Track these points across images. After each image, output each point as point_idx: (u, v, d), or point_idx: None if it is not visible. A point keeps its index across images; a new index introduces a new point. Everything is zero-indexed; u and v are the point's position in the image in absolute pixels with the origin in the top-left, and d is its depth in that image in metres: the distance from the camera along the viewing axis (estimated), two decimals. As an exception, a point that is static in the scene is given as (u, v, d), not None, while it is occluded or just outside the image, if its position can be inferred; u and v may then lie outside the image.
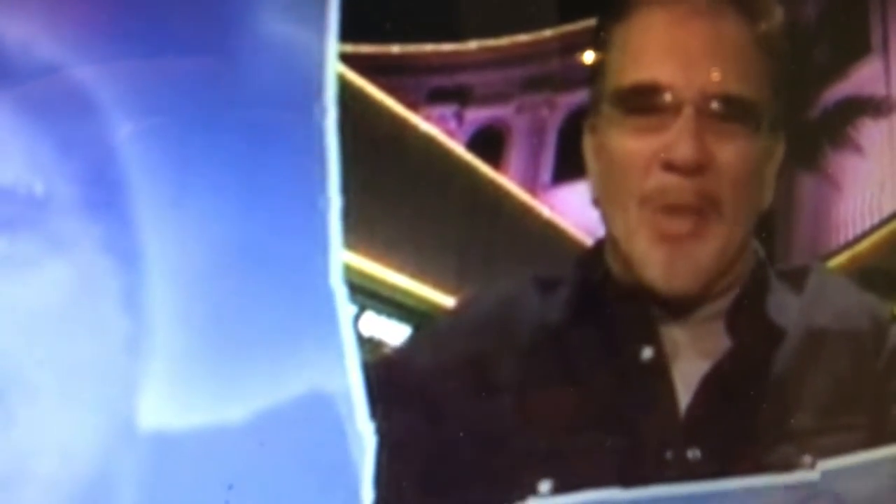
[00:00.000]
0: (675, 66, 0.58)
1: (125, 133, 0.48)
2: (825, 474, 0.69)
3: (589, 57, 0.58)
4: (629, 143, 0.59)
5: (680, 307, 0.61)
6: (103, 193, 0.48)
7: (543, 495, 0.57)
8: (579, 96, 0.59)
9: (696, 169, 0.58)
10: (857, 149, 0.67)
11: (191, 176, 0.50)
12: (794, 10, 0.65)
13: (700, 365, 0.62)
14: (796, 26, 0.65)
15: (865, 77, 0.68)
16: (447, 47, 0.53)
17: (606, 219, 0.60)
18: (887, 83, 0.68)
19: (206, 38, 0.48)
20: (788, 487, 0.67)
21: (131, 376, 0.50)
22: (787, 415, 0.67)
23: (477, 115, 0.55)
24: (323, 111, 0.51)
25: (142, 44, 0.47)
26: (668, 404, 0.60)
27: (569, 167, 0.59)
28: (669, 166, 0.58)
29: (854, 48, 0.67)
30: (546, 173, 0.57)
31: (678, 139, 0.58)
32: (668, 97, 0.58)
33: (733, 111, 0.59)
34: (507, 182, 0.56)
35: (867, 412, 0.72)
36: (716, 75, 0.59)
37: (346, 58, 0.51)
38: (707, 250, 0.61)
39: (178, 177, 0.50)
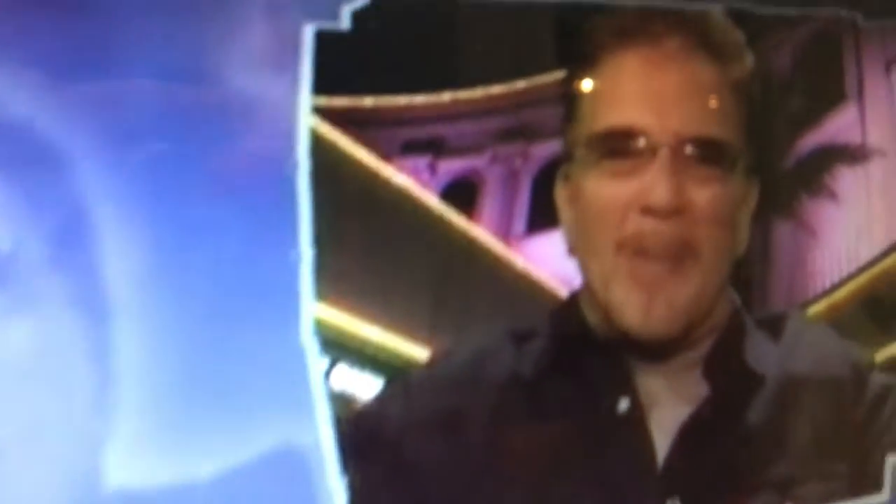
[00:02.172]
0: (649, 110, 0.59)
1: (94, 189, 0.48)
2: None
3: (562, 106, 0.58)
4: (605, 187, 0.59)
5: (657, 353, 0.61)
6: (72, 249, 0.48)
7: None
8: (553, 146, 0.59)
9: (673, 212, 0.59)
10: (833, 197, 0.68)
11: (161, 231, 0.50)
12: (768, 58, 0.66)
13: (678, 413, 0.62)
14: (771, 74, 0.66)
15: (841, 125, 0.68)
16: (420, 99, 0.54)
17: (582, 267, 0.60)
18: (863, 131, 0.69)
19: (174, 93, 0.48)
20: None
21: (97, 434, 0.50)
22: (767, 463, 0.67)
23: (450, 166, 0.55)
24: (295, 165, 0.51)
25: (111, 100, 0.47)
26: (645, 455, 0.60)
27: (543, 217, 0.59)
28: (646, 210, 0.59)
29: (829, 96, 0.68)
30: (520, 223, 0.57)
31: (654, 183, 0.58)
32: (643, 141, 0.59)
33: (708, 154, 0.60)
34: (480, 232, 0.56)
35: (847, 460, 0.72)
36: (690, 118, 0.60)
37: (318, 111, 0.52)
38: (684, 293, 0.61)
39: (148, 232, 0.50)
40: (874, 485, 0.72)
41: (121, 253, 0.49)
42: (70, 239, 0.48)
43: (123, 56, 0.47)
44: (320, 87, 0.50)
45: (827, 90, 0.68)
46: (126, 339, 0.49)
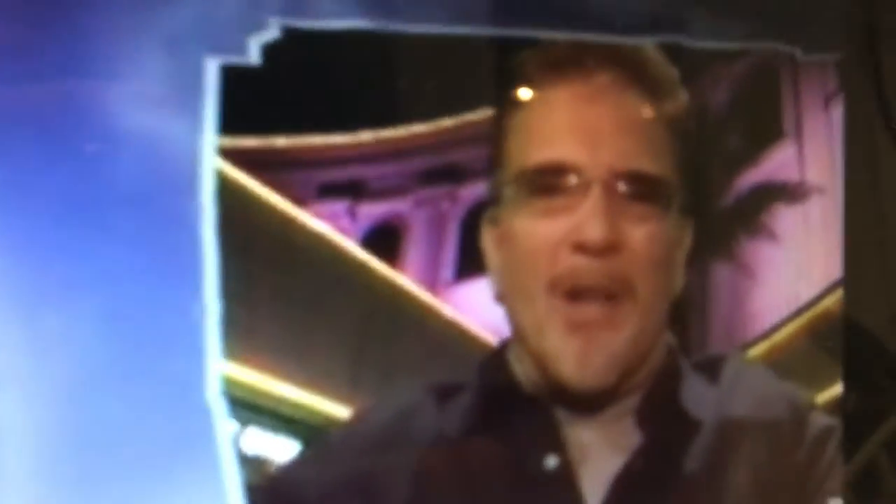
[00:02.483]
0: (581, 145, 0.57)
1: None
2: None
3: (490, 144, 0.55)
4: (536, 226, 0.57)
5: (590, 405, 0.59)
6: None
7: None
8: (481, 188, 0.56)
9: (607, 249, 0.57)
10: (772, 236, 0.66)
11: (47, 284, 0.45)
12: (704, 94, 0.64)
13: (611, 465, 0.60)
14: (707, 110, 0.64)
15: (778, 162, 0.67)
16: (338, 139, 0.50)
17: (512, 314, 0.57)
18: (801, 168, 0.67)
19: (63, 130, 0.44)
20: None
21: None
22: (707, 512, 0.64)
23: (372, 211, 0.52)
24: (198, 209, 0.47)
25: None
26: None
27: (472, 263, 0.56)
28: (579, 247, 0.56)
29: (766, 133, 0.66)
30: (447, 270, 0.54)
31: (587, 218, 0.56)
32: (574, 177, 0.56)
33: (642, 190, 0.58)
34: (405, 280, 0.53)
35: (789, 504, 0.70)
36: (623, 153, 0.58)
37: (225, 152, 0.48)
38: (620, 339, 0.59)
39: (33, 285, 0.45)
40: (816, 531, 0.70)
41: (4, 311, 0.44)
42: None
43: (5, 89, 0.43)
44: (227, 126, 0.47)
45: (765, 126, 0.67)
46: (9, 402, 0.45)
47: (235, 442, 0.49)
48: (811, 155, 0.67)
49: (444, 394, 0.55)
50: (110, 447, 0.47)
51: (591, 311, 0.57)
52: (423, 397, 0.54)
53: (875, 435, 0.91)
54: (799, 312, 0.67)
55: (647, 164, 0.58)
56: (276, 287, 0.50)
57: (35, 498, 0.46)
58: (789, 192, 0.66)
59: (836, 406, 0.70)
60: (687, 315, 0.63)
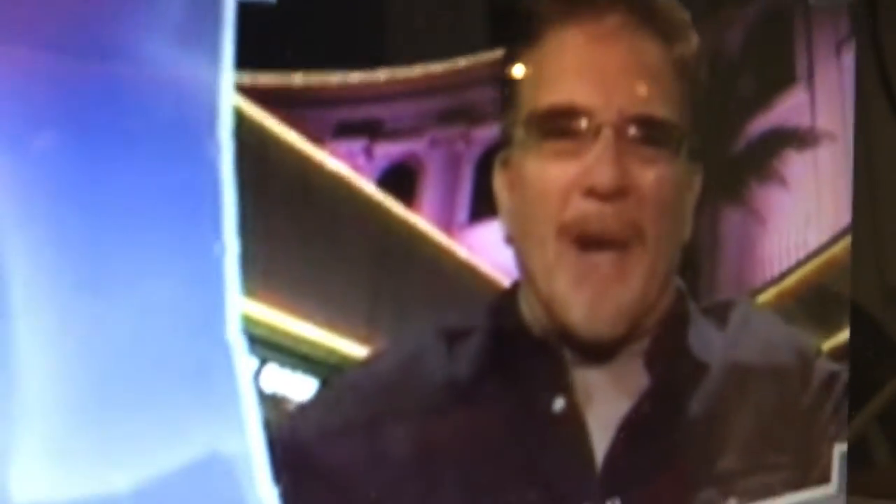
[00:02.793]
0: (592, 88, 0.57)
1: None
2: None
3: (501, 86, 0.55)
4: (546, 169, 0.57)
5: (598, 352, 0.59)
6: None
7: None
8: (496, 129, 0.56)
9: (618, 194, 0.57)
10: (783, 182, 0.66)
11: (66, 216, 0.45)
12: (716, 40, 0.64)
13: (619, 408, 0.61)
14: (719, 56, 0.64)
15: (790, 108, 0.67)
16: (354, 77, 0.50)
17: (522, 257, 0.58)
18: (812, 114, 0.67)
19: (78, 70, 0.43)
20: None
21: (2, 446, 0.45)
22: (711, 456, 0.66)
23: (388, 151, 0.52)
24: (217, 147, 0.47)
25: (8, 69, 0.43)
26: (583, 456, 0.59)
27: (487, 205, 0.56)
28: (589, 192, 0.57)
29: (779, 78, 0.66)
30: (463, 212, 0.54)
31: (598, 163, 0.57)
32: (585, 120, 0.57)
33: (653, 134, 0.58)
34: (421, 221, 0.53)
35: (794, 451, 0.71)
36: (634, 97, 0.58)
37: (243, 89, 0.48)
38: (631, 290, 0.59)
39: (52, 217, 0.45)
40: (821, 476, 0.71)
41: (23, 248, 0.44)
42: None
43: (14, 30, 0.43)
44: (245, 63, 0.46)
45: (777, 71, 0.66)
46: (30, 340, 0.45)
47: (255, 379, 0.49)
48: (823, 101, 0.67)
49: (454, 337, 0.56)
50: (131, 381, 0.47)
51: (600, 261, 0.57)
52: (434, 341, 0.55)
53: (867, 407, 0.92)
54: (807, 259, 0.67)
55: (659, 108, 0.59)
56: (293, 226, 0.50)
57: (55, 431, 0.46)
58: (800, 138, 0.66)
59: (843, 352, 0.71)
60: (697, 260, 0.63)
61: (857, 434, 0.91)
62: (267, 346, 0.49)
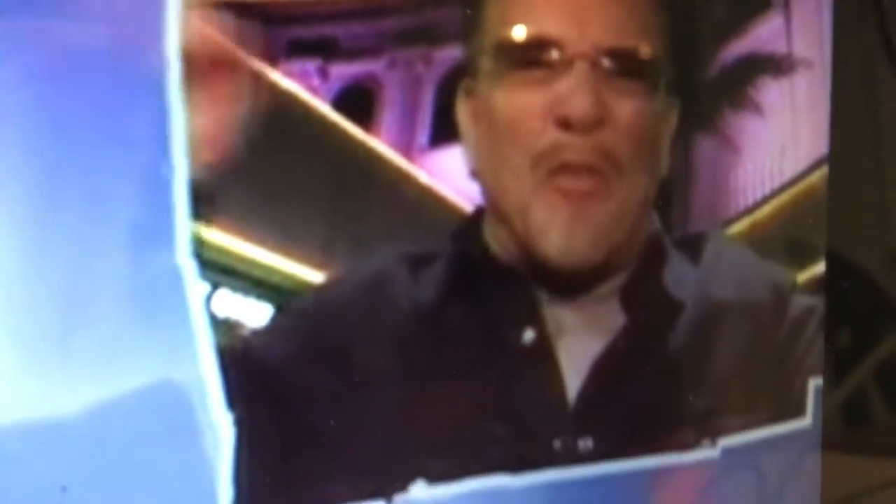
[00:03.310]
0: (565, 19, 0.55)
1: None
2: (725, 451, 0.68)
3: (465, 9, 0.53)
4: (516, 98, 0.55)
5: (571, 286, 0.58)
6: None
7: (433, 488, 0.53)
8: (458, 51, 0.55)
9: (593, 124, 0.56)
10: (758, 110, 0.65)
11: (11, 136, 0.44)
12: (691, -37, 0.62)
13: (593, 346, 0.60)
14: (694, -20, 0.62)
15: (766, 34, 0.65)
16: (308, -7, 0.48)
17: (491, 190, 0.56)
18: (788, 41, 0.66)
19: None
20: (689, 467, 0.65)
21: (-58, 368, 0.44)
22: (685, 394, 0.65)
23: (344, 71, 0.50)
24: (164, 63, 0.46)
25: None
26: (554, 390, 0.58)
27: (448, 128, 0.54)
28: (564, 123, 0.55)
29: (754, 4, 0.64)
30: (423, 135, 0.53)
31: (572, 94, 0.55)
32: (557, 52, 0.55)
33: (629, 66, 0.57)
34: (379, 145, 0.52)
35: (769, 386, 0.70)
36: (609, 28, 0.56)
37: (191, 3, 0.46)
38: (608, 211, 0.58)
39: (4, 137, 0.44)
40: (797, 409, 0.71)
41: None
42: None
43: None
44: (191, -24, 0.45)
45: (752, -4, 0.65)
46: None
47: (207, 304, 0.49)
48: (799, 27, 0.66)
49: (416, 263, 0.55)
50: (78, 305, 0.46)
51: (578, 185, 0.56)
52: (397, 266, 0.54)
53: (864, 363, 0.91)
54: (783, 188, 0.66)
55: (634, 39, 0.57)
56: (245, 146, 0.49)
57: (3, 361, 0.46)
58: (776, 65, 0.65)
59: (818, 285, 0.70)
60: (669, 190, 0.62)
61: (856, 392, 0.90)
62: (219, 270, 0.48)
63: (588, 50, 0.54)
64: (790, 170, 0.66)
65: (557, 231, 0.55)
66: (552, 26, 0.55)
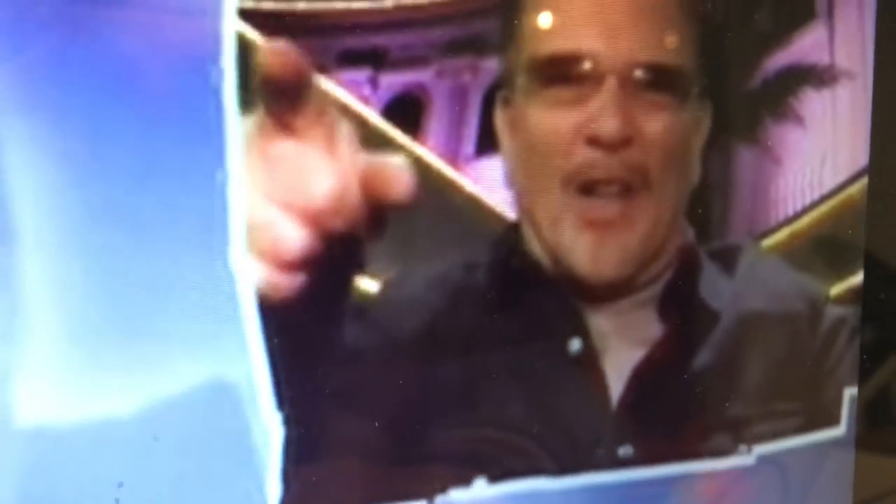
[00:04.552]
0: (597, 34, 0.56)
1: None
2: (761, 458, 0.68)
3: (502, 23, 0.54)
4: (548, 117, 0.56)
5: (606, 295, 0.59)
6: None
7: (473, 489, 0.54)
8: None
9: (622, 142, 0.56)
10: (799, 120, 0.65)
11: (71, 143, 0.46)
12: (734, -26, 0.62)
13: (631, 355, 0.61)
14: (736, -9, 0.62)
15: (809, 45, 0.65)
16: (360, 5, 0.49)
17: (524, 202, 0.57)
18: (831, 51, 0.66)
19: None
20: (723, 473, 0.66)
21: (6, 366, 0.46)
22: (722, 404, 0.66)
23: (393, 81, 0.51)
24: (220, 74, 0.47)
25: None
26: (599, 399, 0.59)
27: (494, 138, 0.55)
28: (594, 141, 0.56)
29: (798, 14, 0.65)
30: (469, 144, 0.54)
31: (601, 113, 0.56)
32: (589, 67, 0.56)
33: (659, 80, 0.57)
34: (426, 153, 0.53)
35: (804, 396, 0.71)
36: (640, 43, 0.57)
37: (245, 15, 0.47)
38: (635, 235, 0.59)
39: (56, 145, 0.45)
40: (831, 419, 0.71)
41: (24, 168, 0.45)
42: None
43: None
44: (247, -12, 0.46)
45: (796, 7, 0.65)
46: (34, 262, 0.45)
47: (258, 304, 0.50)
48: (842, 38, 0.66)
49: (463, 271, 0.55)
50: (133, 307, 0.48)
51: (605, 206, 0.57)
52: (441, 274, 0.55)
53: (887, 362, 0.91)
54: (822, 199, 0.67)
55: (665, 54, 0.58)
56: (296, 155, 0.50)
57: (59, 354, 0.47)
58: (818, 76, 0.65)
59: (855, 295, 0.70)
60: (708, 200, 0.62)
61: (880, 391, 0.90)
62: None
63: (619, 65, 0.55)
64: (830, 181, 0.66)
65: (583, 255, 0.56)
66: (584, 41, 0.55)
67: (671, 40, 0.57)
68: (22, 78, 0.43)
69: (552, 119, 0.55)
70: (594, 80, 0.55)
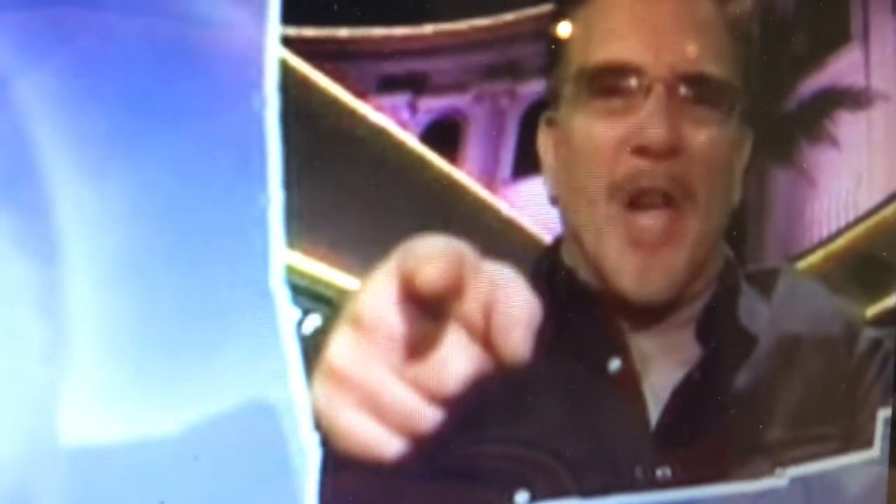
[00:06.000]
0: (644, 45, 0.56)
1: (40, 121, 0.44)
2: (794, 481, 0.67)
3: (548, 43, 0.54)
4: (596, 127, 0.56)
5: (649, 316, 0.59)
6: (15, 186, 0.44)
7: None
8: (541, 85, 0.56)
9: (669, 152, 0.56)
10: (834, 142, 0.65)
11: (115, 167, 0.46)
12: (770, -3, 0.62)
13: (670, 376, 0.60)
14: (773, 14, 0.62)
15: (844, 68, 0.65)
16: (399, 31, 0.50)
17: (569, 217, 0.57)
18: (866, 74, 0.66)
19: (130, 18, 0.44)
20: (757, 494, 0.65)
21: (50, 387, 0.46)
22: (759, 426, 0.65)
23: (432, 105, 0.51)
24: (263, 100, 0.47)
25: (58, 26, 0.43)
26: (637, 419, 0.58)
27: (530, 161, 0.55)
28: (641, 150, 0.56)
29: (833, 37, 0.64)
30: (506, 167, 0.54)
31: (649, 121, 0.56)
32: (636, 77, 0.56)
33: (705, 93, 0.57)
34: (464, 176, 0.53)
35: (838, 419, 0.70)
36: (686, 54, 0.57)
37: (288, 42, 0.48)
38: (681, 252, 0.59)
39: (100, 168, 0.46)
40: (865, 441, 0.70)
41: (71, 190, 0.45)
42: (13, 175, 0.44)
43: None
44: (290, 16, 0.47)
45: (831, 29, 0.65)
46: (79, 283, 0.46)
47: (297, 328, 0.50)
48: (877, 61, 0.66)
49: None
50: (177, 329, 0.48)
51: (651, 222, 0.57)
52: None
53: None
54: (857, 221, 0.66)
55: (711, 66, 0.58)
56: (336, 179, 0.50)
57: (104, 376, 0.48)
58: (854, 99, 0.65)
59: (890, 317, 0.70)
60: (744, 222, 0.62)
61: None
62: (309, 296, 0.49)
63: (666, 74, 0.55)
64: (865, 202, 0.66)
65: (629, 274, 0.56)
66: (632, 52, 0.56)
67: (716, 55, 0.57)
68: (74, 107, 0.44)
69: (598, 131, 0.55)
70: (642, 89, 0.55)
